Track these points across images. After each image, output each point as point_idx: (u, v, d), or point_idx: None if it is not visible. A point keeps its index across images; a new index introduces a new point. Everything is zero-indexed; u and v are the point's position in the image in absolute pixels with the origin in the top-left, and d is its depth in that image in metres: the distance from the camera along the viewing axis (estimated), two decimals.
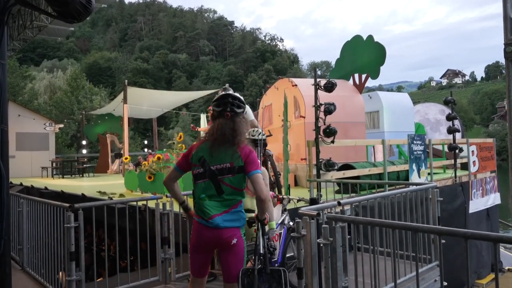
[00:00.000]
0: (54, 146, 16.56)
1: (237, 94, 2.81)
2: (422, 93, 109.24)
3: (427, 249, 4.40)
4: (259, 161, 2.71)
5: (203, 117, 15.87)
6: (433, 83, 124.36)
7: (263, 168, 3.71)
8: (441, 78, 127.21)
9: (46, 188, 9.42)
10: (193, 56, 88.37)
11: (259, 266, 2.56)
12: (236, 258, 2.62)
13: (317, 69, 7.61)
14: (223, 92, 5.73)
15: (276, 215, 3.85)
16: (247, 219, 3.23)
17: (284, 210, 4.12)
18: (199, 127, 7.99)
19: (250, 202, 3.62)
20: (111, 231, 6.05)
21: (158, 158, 7.87)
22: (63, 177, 14.35)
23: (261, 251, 2.66)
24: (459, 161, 9.91)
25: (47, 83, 39.61)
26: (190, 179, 2.80)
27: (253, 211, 3.54)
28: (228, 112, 2.66)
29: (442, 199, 4.76)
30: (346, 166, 7.77)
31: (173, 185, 2.84)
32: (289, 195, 6.40)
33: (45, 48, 73.55)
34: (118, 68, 76.23)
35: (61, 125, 18.90)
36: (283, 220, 3.97)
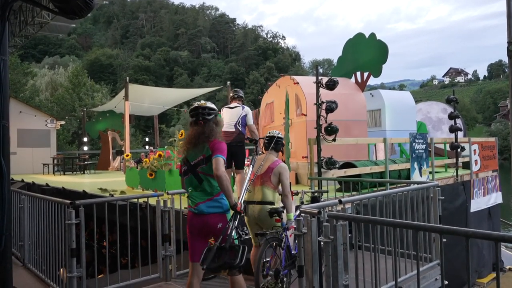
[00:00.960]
0: (56, 143, 16.58)
1: (208, 105, 3.27)
2: (424, 91, 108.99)
3: (428, 248, 4.40)
4: (223, 148, 3.13)
5: None
6: (436, 82, 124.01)
7: (284, 164, 4.05)
8: (443, 76, 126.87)
9: (47, 185, 9.44)
10: (195, 54, 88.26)
11: (223, 244, 2.83)
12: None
13: (319, 67, 7.59)
14: (232, 94, 6.05)
15: (293, 208, 4.17)
16: (268, 209, 3.81)
17: (301, 203, 4.44)
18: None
19: (272, 195, 3.96)
20: (112, 228, 6.07)
21: (159, 155, 7.89)
22: (64, 174, 14.37)
23: (228, 232, 2.91)
24: (461, 160, 9.89)
25: (48, 80, 39.61)
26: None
27: (273, 203, 3.92)
28: (200, 121, 3.20)
29: (443, 198, 4.76)
30: (348, 165, 7.76)
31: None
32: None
33: (47, 44, 73.56)
34: (120, 65, 76.18)
35: (63, 122, 18.92)
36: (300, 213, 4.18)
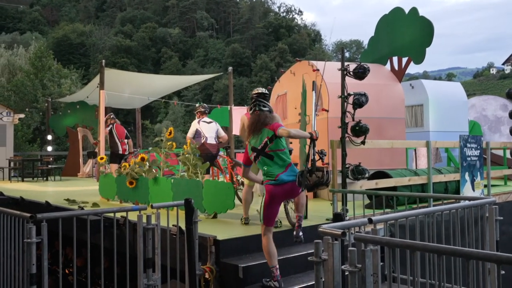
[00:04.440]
0: (13, 142, 16.72)
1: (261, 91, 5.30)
2: (478, 82, 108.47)
3: (482, 282, 4.37)
4: (279, 123, 4.88)
5: None
6: (493, 71, 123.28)
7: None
8: (503, 64, 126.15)
9: (1, 194, 9.52)
10: (188, 31, 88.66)
11: (308, 168, 4.61)
12: (302, 197, 5.10)
13: (345, 50, 7.59)
14: (203, 110, 8.77)
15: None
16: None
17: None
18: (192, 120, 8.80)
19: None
20: (82, 250, 6.10)
21: (142, 159, 7.91)
22: (23, 181, 14.49)
23: (311, 157, 4.69)
24: None
25: (5, 62, 39.95)
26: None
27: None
28: (257, 111, 4.98)
29: (502, 218, 4.74)
30: (380, 174, 7.75)
31: (249, 175, 5.17)
32: (306, 209, 6.44)
33: (4, 18, 74.37)
34: (94, 45, 76.71)
35: (22, 115, 19.10)
36: None
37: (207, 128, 8.34)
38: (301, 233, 5.19)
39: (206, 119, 8.57)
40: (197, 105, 9.07)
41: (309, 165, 4.64)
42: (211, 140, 8.25)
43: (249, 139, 4.86)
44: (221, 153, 8.99)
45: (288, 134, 4.64)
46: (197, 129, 8.33)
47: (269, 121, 4.80)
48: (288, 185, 4.64)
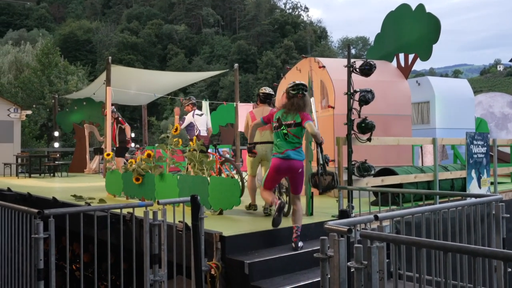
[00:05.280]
0: (20, 138, 16.80)
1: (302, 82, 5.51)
2: (485, 79, 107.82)
3: (488, 279, 4.36)
4: (310, 117, 5.34)
5: (205, 104, 15.90)
6: (500, 68, 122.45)
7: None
8: (510, 61, 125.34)
9: (9, 189, 9.58)
10: (194, 28, 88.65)
11: (321, 171, 5.38)
12: (301, 180, 5.39)
13: (351, 47, 7.56)
14: (194, 101, 9.45)
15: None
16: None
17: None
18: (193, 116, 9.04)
19: (259, 136, 6.42)
20: (88, 245, 6.14)
21: (148, 155, 7.94)
22: (30, 177, 14.57)
23: (321, 162, 5.37)
24: None
25: (12, 59, 40.18)
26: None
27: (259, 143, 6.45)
28: (300, 94, 5.32)
29: (508, 215, 4.73)
30: (386, 171, 7.74)
31: (255, 130, 6.09)
32: (312, 206, 6.45)
33: (11, 15, 74.56)
34: (100, 42, 76.88)
35: (29, 112, 19.14)
36: None
37: (200, 121, 8.96)
38: (300, 244, 5.20)
39: (198, 111, 9.20)
40: (197, 98, 9.73)
41: (316, 169, 5.30)
42: (203, 133, 8.86)
43: (281, 110, 5.36)
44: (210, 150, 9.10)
45: (312, 131, 5.12)
46: (191, 121, 8.89)
47: (305, 108, 5.28)
48: (293, 161, 5.15)
